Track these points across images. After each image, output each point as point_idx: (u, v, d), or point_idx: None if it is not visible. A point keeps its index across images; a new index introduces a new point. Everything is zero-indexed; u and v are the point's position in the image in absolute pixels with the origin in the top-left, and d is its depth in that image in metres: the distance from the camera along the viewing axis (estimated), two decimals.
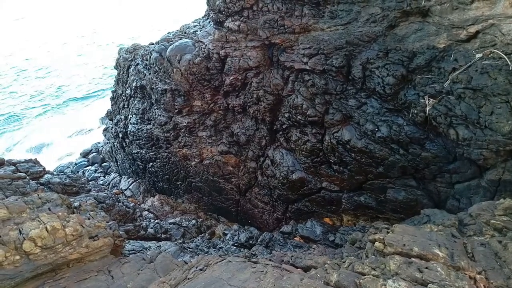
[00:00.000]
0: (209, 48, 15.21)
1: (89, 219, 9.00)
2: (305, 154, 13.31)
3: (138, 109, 19.23)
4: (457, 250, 5.74)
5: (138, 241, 12.89)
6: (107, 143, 25.23)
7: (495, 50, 8.75)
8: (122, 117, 21.13)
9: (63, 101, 43.26)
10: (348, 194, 12.87)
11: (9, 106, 42.98)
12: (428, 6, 10.32)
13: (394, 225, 6.67)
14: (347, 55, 11.86)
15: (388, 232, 6.37)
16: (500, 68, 8.53)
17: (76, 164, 26.44)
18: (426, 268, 5.20)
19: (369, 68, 11.29)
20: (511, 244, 5.63)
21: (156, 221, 15.68)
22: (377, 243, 6.05)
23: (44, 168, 14.29)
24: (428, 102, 9.86)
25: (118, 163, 23.64)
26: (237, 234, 14.36)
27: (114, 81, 22.42)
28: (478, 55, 9.01)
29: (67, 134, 34.20)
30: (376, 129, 11.14)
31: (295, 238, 13.16)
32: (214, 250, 13.25)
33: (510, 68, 8.32)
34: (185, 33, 18.03)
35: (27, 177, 11.68)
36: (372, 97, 11.54)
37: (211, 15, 16.04)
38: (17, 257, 6.90)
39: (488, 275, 5.21)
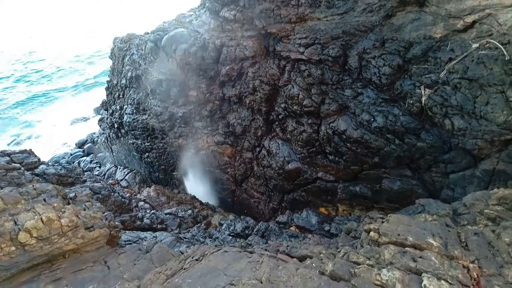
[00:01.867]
0: (205, 38, 15.11)
1: (84, 210, 8.98)
2: (301, 144, 13.31)
3: (134, 99, 19.12)
4: (451, 240, 5.78)
5: (134, 231, 12.90)
6: (103, 133, 25.13)
7: (491, 40, 8.73)
8: (118, 107, 21.03)
9: (52, 89, 42.46)
10: (344, 184, 12.91)
11: None
12: None
13: (389, 215, 6.71)
14: (343, 45, 11.80)
15: (383, 222, 6.41)
16: (496, 58, 8.52)
17: (71, 154, 26.35)
18: (420, 257, 5.24)
19: (366, 58, 11.25)
20: (504, 233, 5.68)
21: (152, 211, 15.68)
22: (372, 233, 6.09)
23: (39, 159, 14.21)
24: (424, 92, 9.85)
25: (114, 154, 23.58)
26: (233, 224, 14.39)
27: (109, 71, 22.25)
28: (475, 45, 8.99)
29: (60, 123, 33.88)
30: (372, 119, 11.13)
31: (291, 228, 13.21)
32: (210, 240, 13.29)
33: (506, 58, 8.31)
34: (181, 22, 17.88)
35: (22, 168, 11.61)
36: (368, 87, 11.51)
37: (207, 4, 15.89)
38: (13, 248, 6.89)
39: (481, 264, 5.26)
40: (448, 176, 10.16)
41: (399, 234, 5.83)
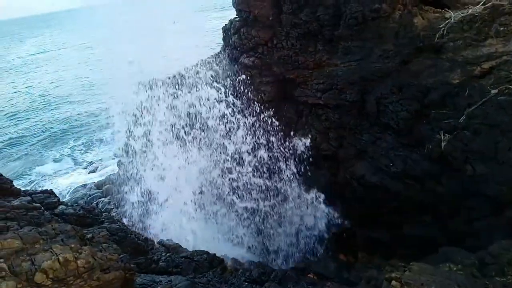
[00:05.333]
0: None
1: (101, 251, 8.94)
2: (319, 188, 13.18)
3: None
4: None
5: (149, 274, 12.70)
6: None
7: (510, 86, 8.73)
8: None
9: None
10: (363, 230, 12.61)
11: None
12: (441, 43, 10.44)
13: (411, 263, 6.48)
14: (360, 90, 11.95)
15: (405, 271, 6.18)
16: None
17: (90, 195, 26.63)
18: None
19: (383, 103, 11.32)
20: None
21: (168, 254, 15.47)
22: (393, 282, 5.85)
23: (59, 199, 14.33)
24: (444, 137, 9.78)
25: None
26: (249, 269, 14.04)
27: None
28: (493, 91, 8.99)
29: (80, 164, 34.23)
30: (391, 164, 11.03)
31: (309, 275, 12.82)
32: (225, 286, 12.94)
33: None
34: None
35: (42, 208, 11.74)
36: (386, 132, 11.50)
37: (227, 51, 16.45)
38: None
39: None
40: (472, 223, 9.83)
41: (422, 284, 5.59)
